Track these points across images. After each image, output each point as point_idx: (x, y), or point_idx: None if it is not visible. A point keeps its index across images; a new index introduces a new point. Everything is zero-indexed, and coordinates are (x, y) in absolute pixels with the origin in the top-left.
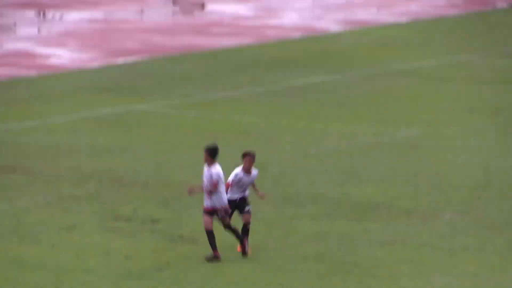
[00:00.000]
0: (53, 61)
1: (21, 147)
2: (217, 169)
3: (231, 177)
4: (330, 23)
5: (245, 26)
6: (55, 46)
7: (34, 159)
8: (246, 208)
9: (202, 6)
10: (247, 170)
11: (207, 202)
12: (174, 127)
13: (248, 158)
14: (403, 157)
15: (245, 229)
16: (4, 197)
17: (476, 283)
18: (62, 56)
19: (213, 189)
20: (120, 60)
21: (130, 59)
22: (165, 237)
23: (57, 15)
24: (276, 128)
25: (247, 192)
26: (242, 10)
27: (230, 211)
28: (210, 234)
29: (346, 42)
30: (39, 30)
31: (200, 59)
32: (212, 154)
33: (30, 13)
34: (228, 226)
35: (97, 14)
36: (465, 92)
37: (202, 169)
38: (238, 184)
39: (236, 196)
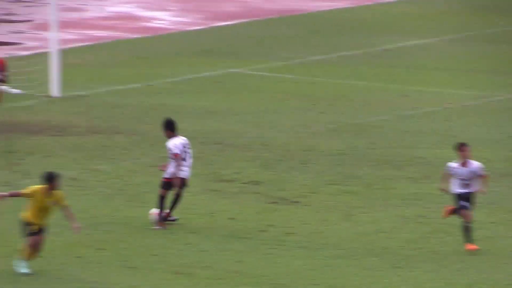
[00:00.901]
0: (155, 23)
1: (125, 109)
2: (173, 141)
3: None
4: None
5: None
6: (157, 9)
7: (138, 121)
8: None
9: None
10: (463, 163)
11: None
12: (274, 90)
13: (465, 148)
14: (498, 120)
15: (464, 226)
16: (110, 158)
17: None
18: (164, 19)
19: (176, 159)
20: (220, 23)
21: (230, 22)
22: (267, 198)
23: None
24: (374, 91)
25: (474, 188)
26: None
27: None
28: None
29: (440, 6)
30: None
31: (298, 22)
32: (171, 128)
33: None
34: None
35: None
36: None
37: (303, 132)
38: (456, 177)
39: (462, 190)
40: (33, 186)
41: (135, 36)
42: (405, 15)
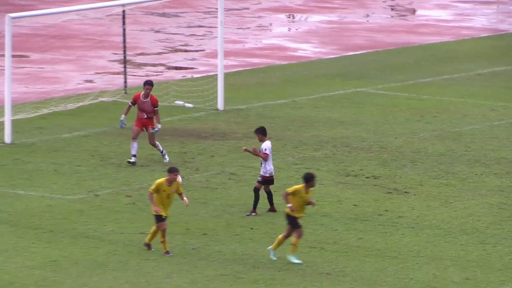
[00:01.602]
0: (300, 53)
1: (274, 119)
2: (266, 144)
3: None
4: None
5: (445, 26)
6: (301, 41)
7: (284, 129)
8: None
9: (414, 11)
10: None
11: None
12: (391, 105)
13: None
14: None
15: None
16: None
17: None
18: (307, 50)
19: (265, 158)
20: (351, 53)
21: (358, 52)
22: (383, 189)
23: (303, 17)
24: (469, 106)
25: None
26: (443, 15)
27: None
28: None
29: None
30: (289, 29)
31: (411, 52)
32: (264, 133)
33: (282, 16)
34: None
35: (333, 17)
36: None
37: (413, 137)
38: None
39: None
40: (295, 187)
41: (284, 62)
42: (495, 47)
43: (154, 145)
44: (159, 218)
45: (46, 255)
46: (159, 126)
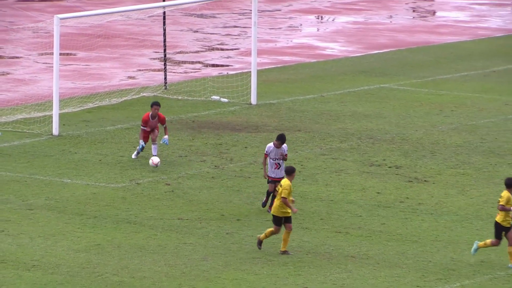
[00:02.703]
0: (328, 51)
1: (304, 113)
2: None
3: None
4: None
5: (463, 27)
6: (329, 41)
7: (313, 122)
8: None
9: (433, 13)
10: None
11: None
12: (412, 100)
13: None
14: None
15: None
16: (292, 149)
17: None
18: (334, 48)
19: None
20: (375, 51)
21: (382, 50)
22: (405, 178)
23: (331, 18)
24: (485, 101)
25: None
26: (461, 16)
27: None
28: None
29: None
30: (317, 29)
31: (431, 51)
32: (282, 140)
33: (311, 17)
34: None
35: (358, 18)
36: None
37: (432, 130)
38: None
39: None
40: (506, 197)
41: (313, 60)
42: (510, 47)
43: (155, 141)
44: (285, 220)
45: (91, 239)
46: (166, 137)
